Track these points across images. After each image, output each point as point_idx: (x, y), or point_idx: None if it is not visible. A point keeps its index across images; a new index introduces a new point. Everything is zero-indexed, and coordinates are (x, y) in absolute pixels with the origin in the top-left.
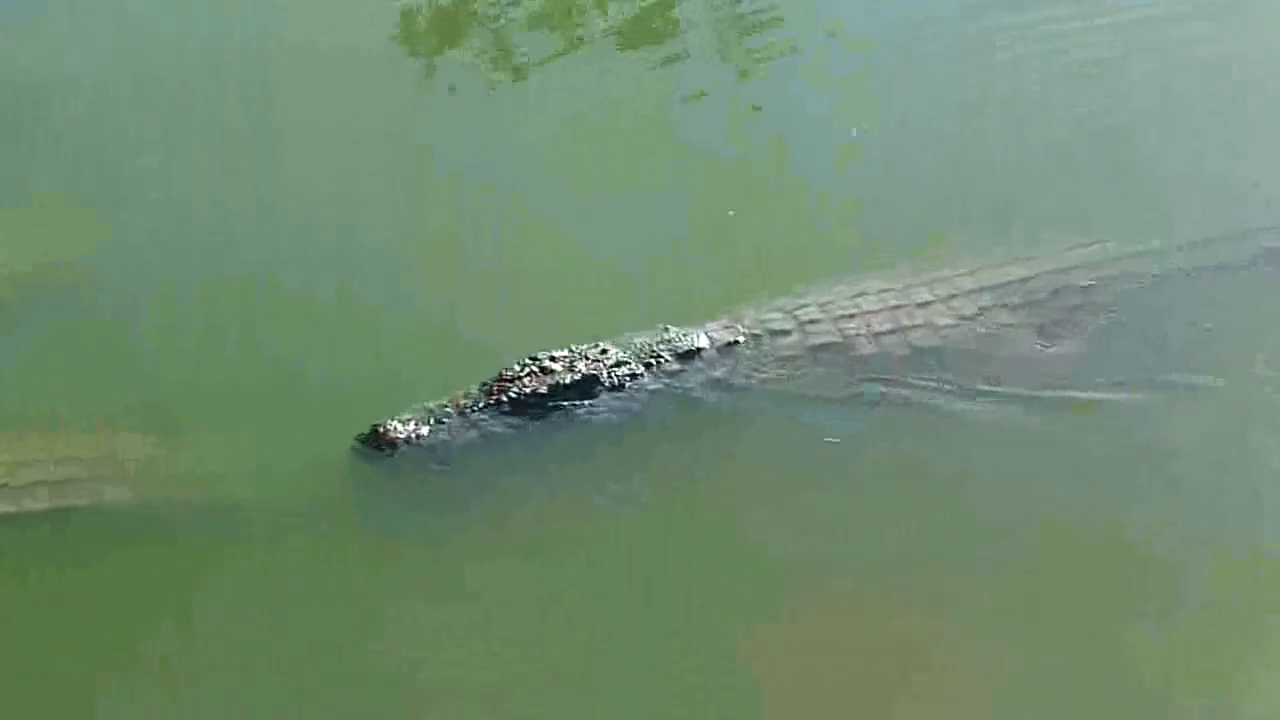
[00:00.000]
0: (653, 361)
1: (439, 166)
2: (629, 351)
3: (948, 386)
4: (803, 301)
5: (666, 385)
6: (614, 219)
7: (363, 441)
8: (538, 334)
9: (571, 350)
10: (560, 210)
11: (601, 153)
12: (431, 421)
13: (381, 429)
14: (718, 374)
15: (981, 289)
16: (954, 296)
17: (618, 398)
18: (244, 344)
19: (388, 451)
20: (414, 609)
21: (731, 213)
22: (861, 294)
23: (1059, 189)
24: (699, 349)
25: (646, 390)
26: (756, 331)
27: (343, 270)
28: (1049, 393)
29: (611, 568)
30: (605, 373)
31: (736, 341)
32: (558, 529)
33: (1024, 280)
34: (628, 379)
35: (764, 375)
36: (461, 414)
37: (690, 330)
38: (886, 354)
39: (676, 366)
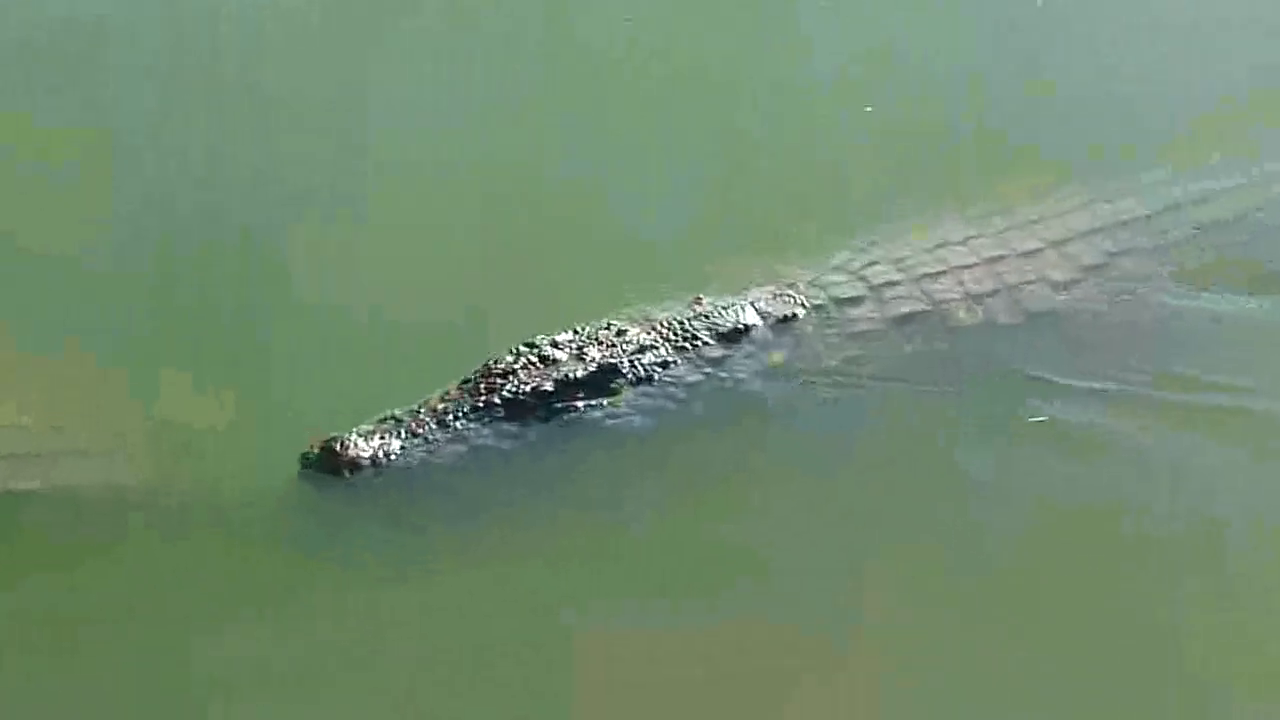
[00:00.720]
0: (687, 344)
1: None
2: (654, 331)
3: (1091, 369)
4: (870, 257)
5: (708, 376)
6: (620, 161)
7: (313, 464)
8: (531, 309)
9: (578, 332)
10: (553, 156)
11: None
12: (404, 434)
13: (339, 446)
14: (776, 358)
15: (1098, 228)
16: (1067, 240)
17: (645, 394)
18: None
19: (347, 476)
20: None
21: (869, 109)
22: (943, 243)
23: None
24: (747, 326)
25: (683, 383)
26: (818, 300)
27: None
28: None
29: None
30: (626, 361)
31: (794, 315)
32: (568, 580)
33: (1150, 217)
34: (656, 368)
35: (835, 359)
36: (442, 422)
37: (732, 302)
38: (993, 324)
39: (719, 351)
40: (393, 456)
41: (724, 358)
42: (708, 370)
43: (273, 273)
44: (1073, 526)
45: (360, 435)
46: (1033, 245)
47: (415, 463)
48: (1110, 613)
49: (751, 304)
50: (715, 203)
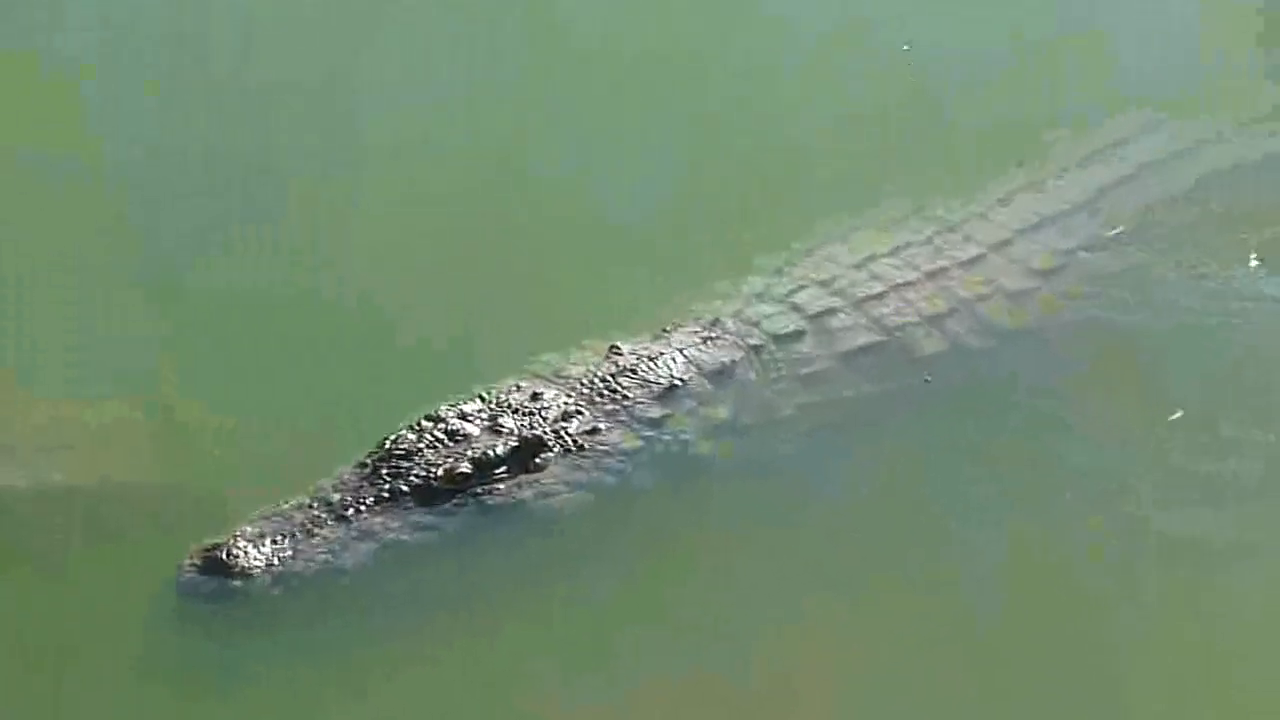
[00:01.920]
0: (616, 405)
1: None
2: (574, 393)
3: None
4: (793, 279)
5: (647, 441)
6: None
7: (193, 581)
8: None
9: (485, 400)
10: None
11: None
12: (298, 534)
13: (225, 555)
14: (720, 413)
15: (1039, 222)
16: (1006, 244)
17: (577, 466)
18: None
19: (236, 583)
20: None
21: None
22: (870, 257)
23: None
24: (681, 381)
25: (618, 451)
26: (753, 339)
27: None
28: None
29: None
30: (549, 431)
31: (733, 363)
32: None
33: (1097, 198)
34: (585, 436)
35: (790, 409)
36: (341, 517)
37: (656, 347)
38: (963, 350)
39: (656, 411)
40: (290, 563)
41: (661, 419)
42: (647, 434)
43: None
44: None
45: (248, 540)
46: (971, 251)
47: (317, 568)
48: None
49: (680, 351)
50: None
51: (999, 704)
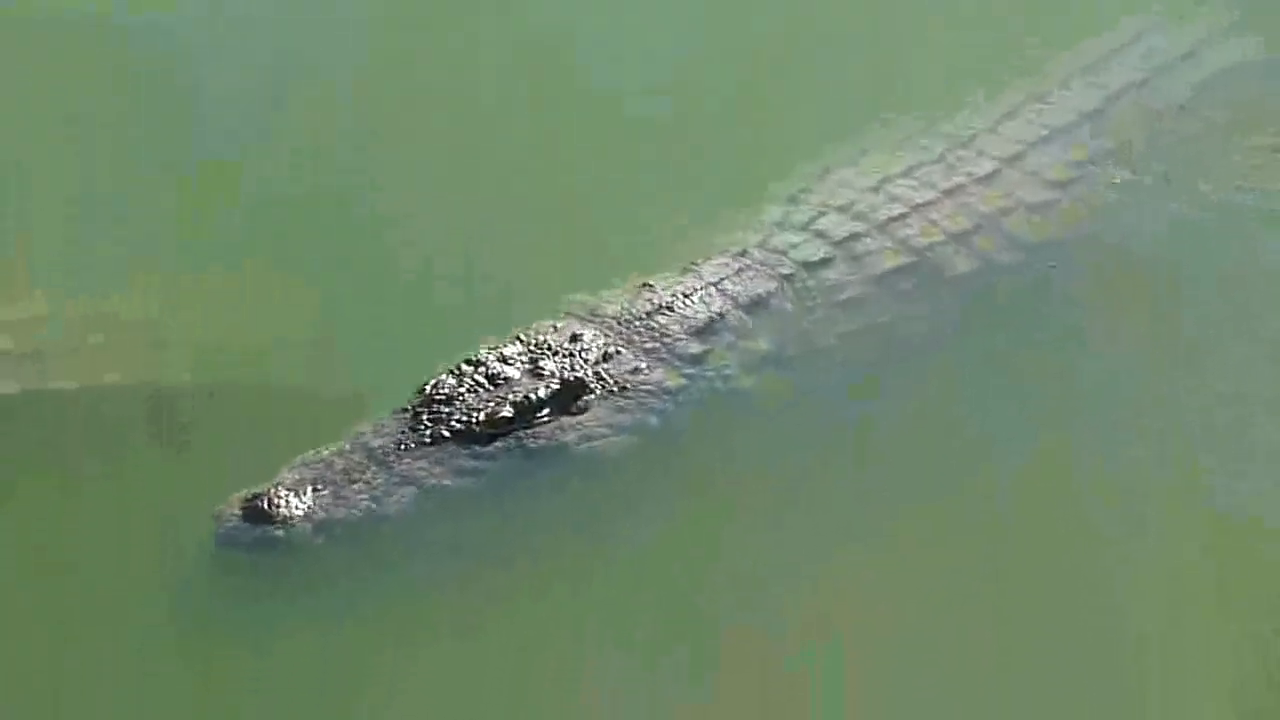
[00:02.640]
0: (656, 343)
1: None
2: (612, 332)
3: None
4: (811, 206)
5: (690, 379)
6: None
7: (234, 530)
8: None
9: (524, 341)
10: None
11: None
12: (340, 480)
13: (265, 504)
14: (761, 346)
15: (1049, 135)
16: (1020, 156)
17: (620, 408)
18: None
19: (278, 533)
20: None
21: None
22: (884, 179)
23: None
24: (719, 315)
25: (661, 389)
26: (784, 269)
27: None
28: None
29: None
30: (590, 373)
31: (769, 294)
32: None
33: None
34: (627, 376)
35: (831, 336)
36: (383, 463)
37: (688, 281)
38: (992, 264)
39: (696, 347)
40: (332, 510)
41: (703, 355)
42: (689, 372)
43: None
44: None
45: (288, 489)
46: (986, 167)
47: (360, 515)
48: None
49: (713, 285)
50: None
51: (1034, 634)
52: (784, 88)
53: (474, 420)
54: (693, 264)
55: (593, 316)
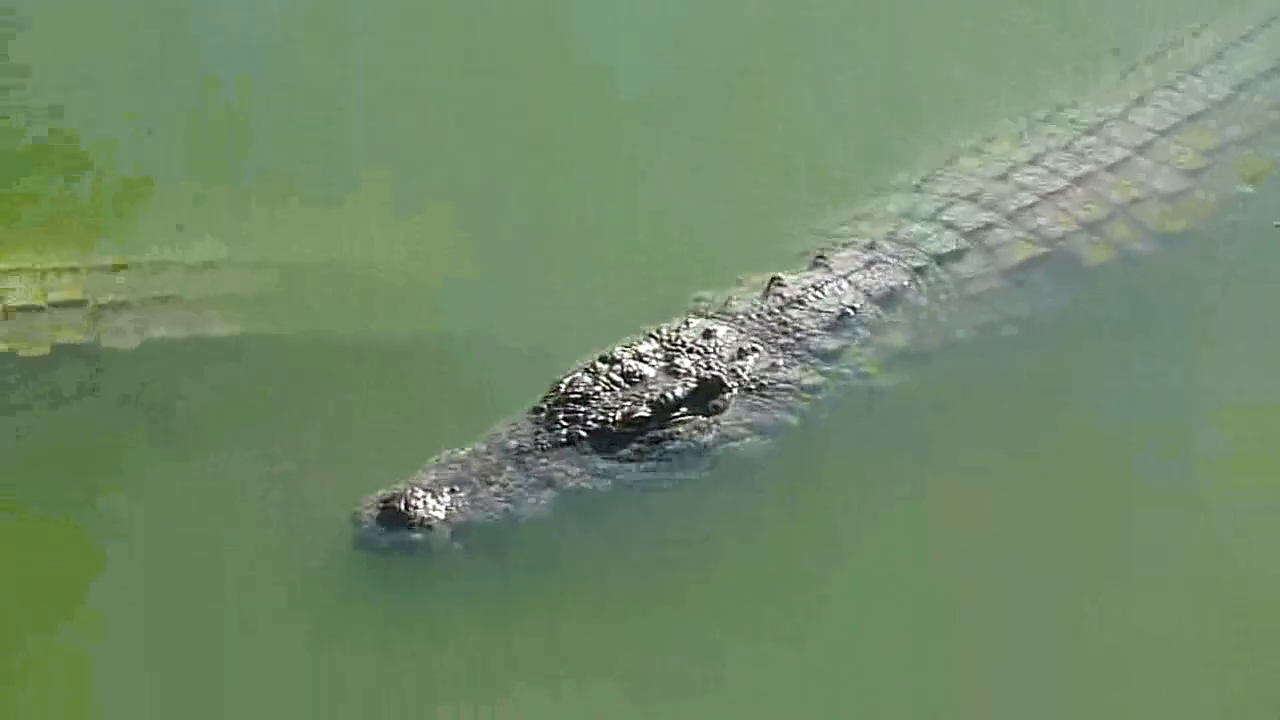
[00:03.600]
0: (790, 338)
1: None
2: (744, 328)
3: None
4: (938, 196)
5: (828, 376)
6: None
7: (373, 527)
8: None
9: (657, 337)
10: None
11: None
12: (476, 482)
13: (404, 504)
14: (897, 341)
15: (1178, 122)
16: (1149, 145)
17: (756, 406)
18: None
19: (417, 537)
20: None
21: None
22: (1011, 168)
23: None
24: (852, 309)
25: (799, 388)
26: (915, 261)
27: None
28: None
29: None
30: (725, 370)
31: (901, 287)
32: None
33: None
34: (764, 374)
35: (967, 329)
36: (520, 463)
37: (818, 275)
38: (1129, 256)
39: (831, 343)
40: (470, 513)
41: (838, 351)
42: (825, 369)
43: None
44: None
45: (425, 490)
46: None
47: (498, 518)
48: None
49: (844, 278)
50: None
51: None
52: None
53: (610, 420)
54: (820, 257)
55: (724, 313)
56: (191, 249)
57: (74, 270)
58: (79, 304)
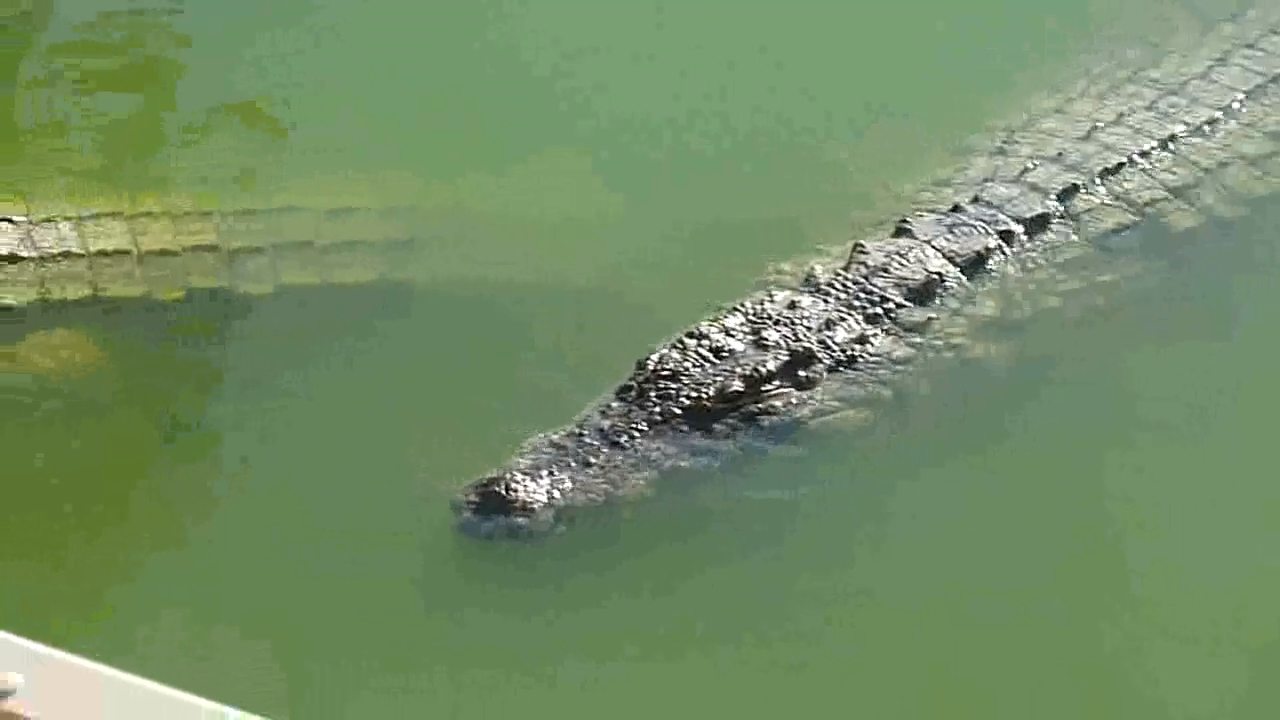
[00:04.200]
0: (877, 309)
1: None
2: (830, 298)
3: None
4: (1020, 158)
5: (917, 349)
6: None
7: (474, 513)
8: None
9: (741, 309)
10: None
11: None
12: (575, 464)
13: (504, 490)
14: (986, 310)
15: (1263, 83)
16: (1235, 106)
17: (850, 381)
18: None
19: (519, 522)
20: None
21: None
22: (1094, 128)
23: None
24: (937, 276)
25: (890, 360)
26: (1000, 225)
27: None
28: None
29: None
30: (815, 342)
31: (986, 250)
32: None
33: None
34: (854, 346)
35: (1054, 298)
36: (616, 444)
37: (901, 241)
38: (1218, 222)
39: (918, 314)
40: (571, 496)
41: (926, 322)
42: (915, 340)
43: None
44: None
45: (524, 474)
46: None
47: (599, 500)
48: None
49: (928, 243)
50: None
51: None
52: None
53: (703, 396)
54: (904, 222)
55: (807, 284)
56: (325, 195)
57: (207, 215)
58: (213, 249)
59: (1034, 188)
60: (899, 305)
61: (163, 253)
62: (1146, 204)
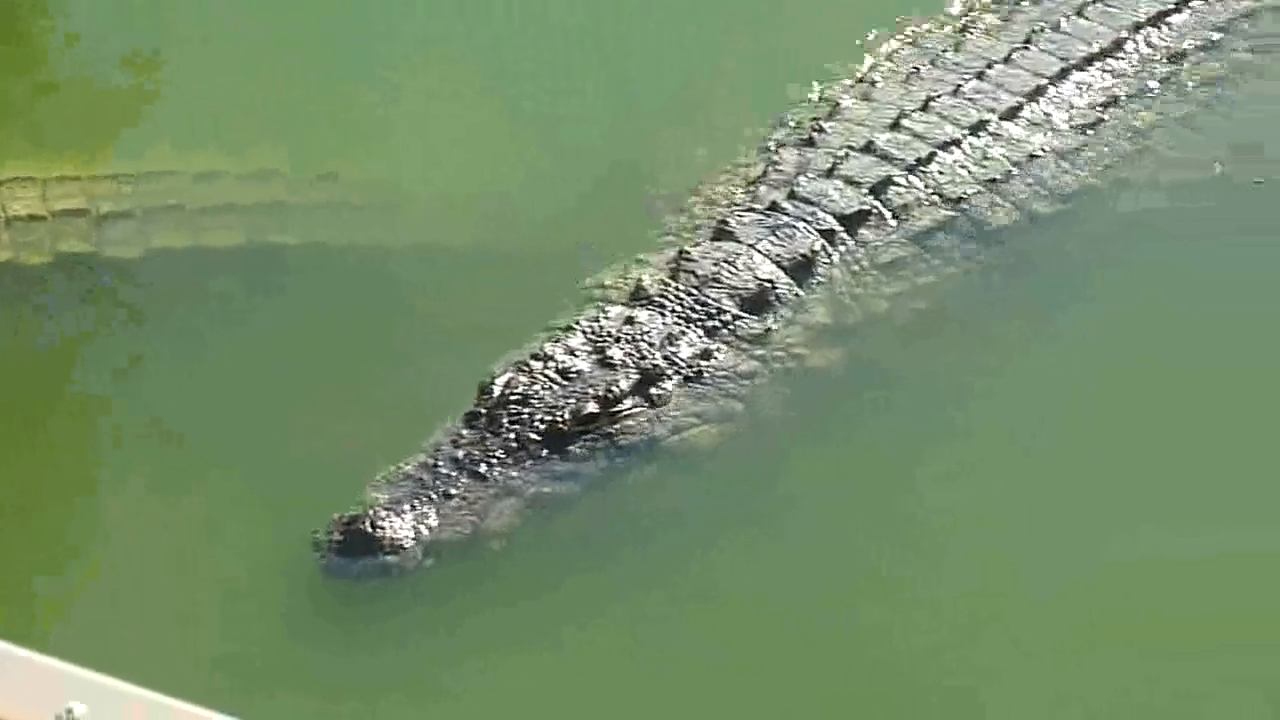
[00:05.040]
0: (715, 320)
1: None
2: (666, 310)
3: None
4: (830, 149)
5: (761, 361)
6: None
7: (340, 554)
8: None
9: (578, 327)
10: None
11: None
12: (434, 495)
13: (371, 525)
14: (819, 317)
15: (1066, 68)
16: (1041, 92)
17: (700, 395)
18: None
19: (390, 559)
20: None
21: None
22: (902, 115)
23: None
24: (769, 283)
25: (736, 375)
26: (820, 224)
27: None
28: None
29: None
30: (660, 358)
31: (813, 254)
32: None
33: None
34: (699, 361)
35: (882, 301)
36: (474, 474)
37: (726, 246)
38: (1033, 217)
39: (756, 325)
40: (438, 531)
41: (766, 333)
42: (758, 353)
43: None
44: None
45: (387, 510)
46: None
47: (466, 532)
48: None
49: (753, 248)
50: None
51: None
52: None
53: (558, 419)
54: (724, 224)
55: (636, 297)
56: (195, 159)
57: (76, 179)
58: (81, 213)
59: (849, 181)
60: (736, 317)
61: (30, 218)
62: (960, 199)
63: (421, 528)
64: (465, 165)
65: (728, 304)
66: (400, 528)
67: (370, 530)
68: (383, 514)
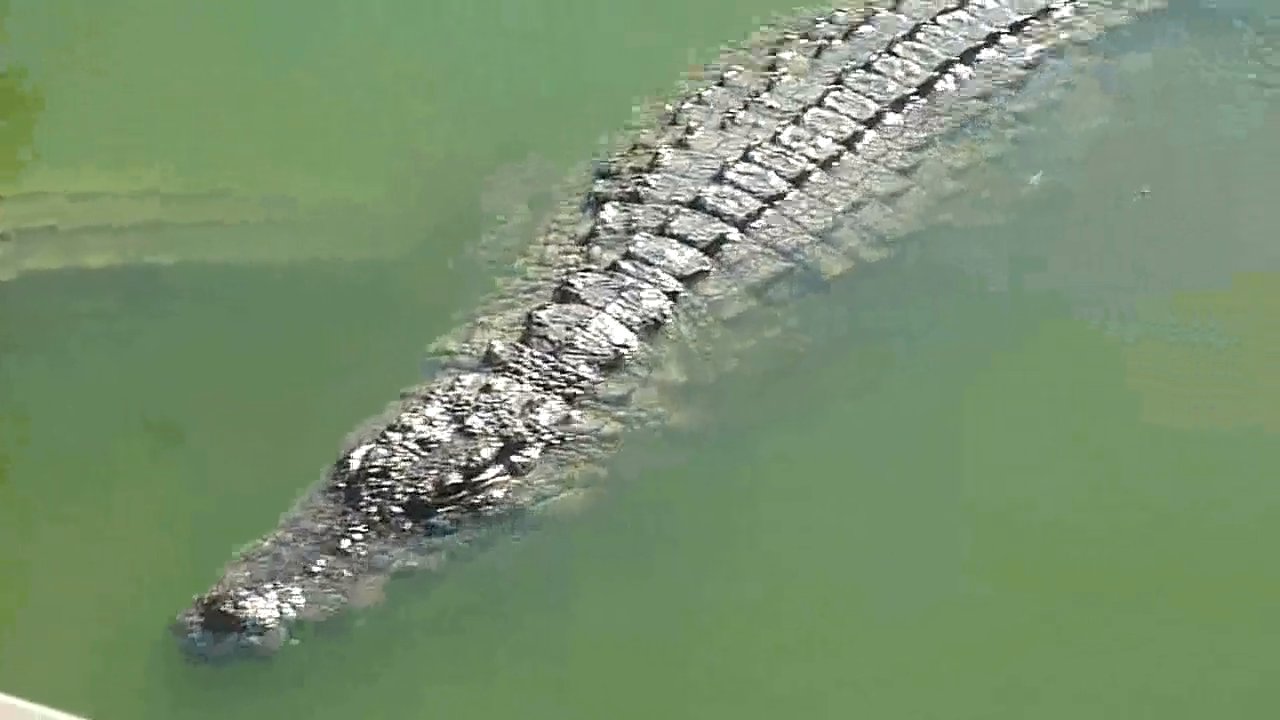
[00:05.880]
0: (573, 386)
1: None
2: (519, 375)
3: None
4: (657, 205)
5: (623, 423)
6: None
7: (201, 636)
8: None
9: (436, 396)
10: None
11: None
12: (295, 573)
13: (233, 605)
14: (673, 377)
15: (878, 112)
16: (858, 137)
17: (562, 461)
18: None
19: (253, 642)
20: None
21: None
22: (724, 167)
23: None
24: (623, 346)
25: (599, 438)
26: (664, 285)
27: None
28: None
29: None
30: (522, 426)
31: (661, 315)
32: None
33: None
34: (558, 427)
35: (731, 360)
36: (335, 550)
37: (575, 310)
38: (864, 265)
39: (616, 388)
40: (304, 610)
41: (626, 395)
42: (619, 414)
43: None
44: None
45: (249, 588)
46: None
47: (332, 610)
48: None
49: (602, 310)
50: None
51: None
52: None
53: (420, 491)
54: (568, 285)
55: (488, 363)
56: (71, 179)
57: None
58: None
59: (683, 240)
60: (594, 382)
61: None
62: (793, 250)
63: (286, 606)
64: (352, 179)
65: (586, 370)
66: (264, 607)
67: (233, 610)
68: (243, 592)
